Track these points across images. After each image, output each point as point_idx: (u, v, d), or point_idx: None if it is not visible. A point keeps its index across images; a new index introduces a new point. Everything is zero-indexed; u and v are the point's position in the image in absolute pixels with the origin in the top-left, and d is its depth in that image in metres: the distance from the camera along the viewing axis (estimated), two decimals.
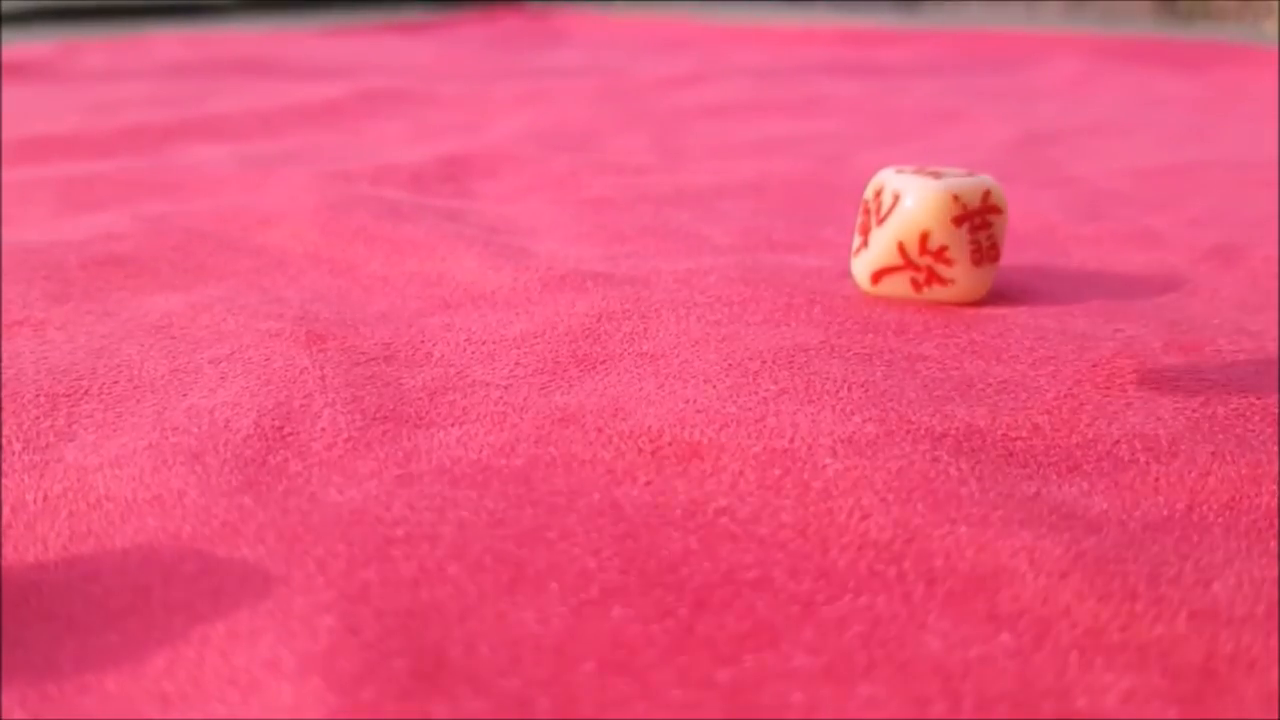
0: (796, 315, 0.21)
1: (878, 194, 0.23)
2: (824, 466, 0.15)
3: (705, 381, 0.18)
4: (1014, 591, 0.13)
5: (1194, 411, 0.17)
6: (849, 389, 0.18)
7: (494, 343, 0.20)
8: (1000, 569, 0.13)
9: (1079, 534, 0.14)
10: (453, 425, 0.17)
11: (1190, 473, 0.15)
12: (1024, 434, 0.17)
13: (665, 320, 0.21)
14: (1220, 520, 0.14)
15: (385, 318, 0.22)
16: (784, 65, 0.70)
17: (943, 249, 0.22)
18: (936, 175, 0.22)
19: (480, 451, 0.16)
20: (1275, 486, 0.15)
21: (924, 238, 0.22)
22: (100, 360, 0.19)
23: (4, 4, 0.89)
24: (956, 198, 0.22)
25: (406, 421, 0.17)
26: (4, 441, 0.16)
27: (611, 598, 0.13)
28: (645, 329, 0.21)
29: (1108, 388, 0.18)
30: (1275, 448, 0.16)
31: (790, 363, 0.19)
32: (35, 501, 0.15)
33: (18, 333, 0.21)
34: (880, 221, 0.22)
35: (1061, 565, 0.13)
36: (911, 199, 0.22)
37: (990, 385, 0.18)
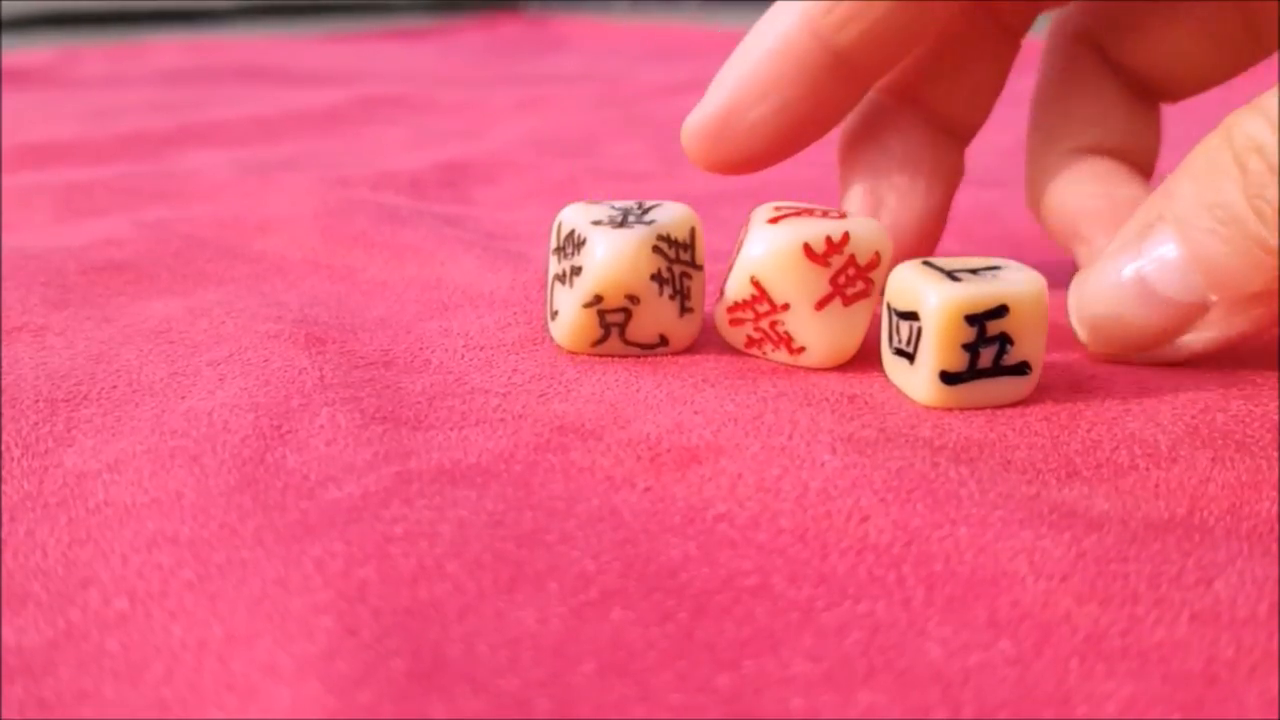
0: None
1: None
2: (823, 464, 0.15)
3: (703, 380, 0.18)
4: (1014, 596, 0.13)
5: (1193, 418, 0.17)
6: (847, 400, 0.18)
7: (492, 348, 0.20)
8: (1000, 572, 0.13)
9: (1079, 533, 0.14)
10: (451, 429, 0.17)
11: (1190, 479, 0.15)
12: (1023, 441, 0.17)
13: None
14: (1221, 525, 0.14)
15: (384, 322, 0.22)
16: None
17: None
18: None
19: (479, 456, 0.16)
20: (1276, 493, 0.15)
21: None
22: (99, 365, 0.19)
23: (3, 10, 0.89)
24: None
25: (405, 424, 0.17)
26: (3, 447, 0.16)
27: (611, 600, 0.13)
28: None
29: (1106, 394, 0.18)
30: (1275, 453, 0.16)
31: (789, 372, 0.19)
32: (34, 507, 0.15)
33: (17, 338, 0.21)
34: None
35: (1062, 567, 0.13)
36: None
37: None
